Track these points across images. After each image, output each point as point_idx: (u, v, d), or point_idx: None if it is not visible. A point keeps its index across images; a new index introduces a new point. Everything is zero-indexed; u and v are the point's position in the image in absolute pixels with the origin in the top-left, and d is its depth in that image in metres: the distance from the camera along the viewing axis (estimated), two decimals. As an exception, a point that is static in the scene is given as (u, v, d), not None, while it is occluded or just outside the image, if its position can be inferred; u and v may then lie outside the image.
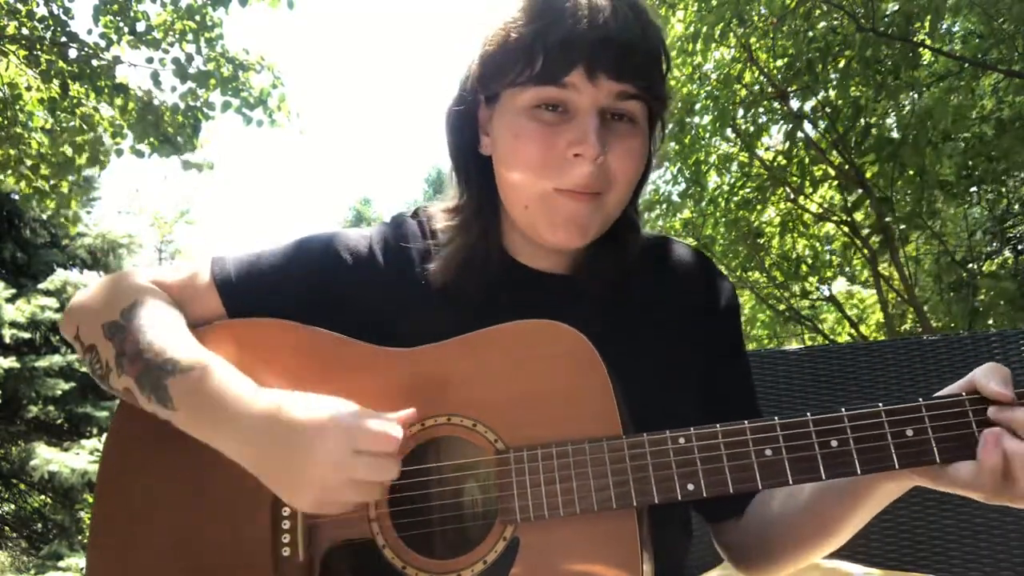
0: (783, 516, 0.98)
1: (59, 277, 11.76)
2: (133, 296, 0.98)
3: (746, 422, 0.82)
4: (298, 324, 0.98)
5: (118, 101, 6.11)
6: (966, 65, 5.39)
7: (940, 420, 0.78)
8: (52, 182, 6.30)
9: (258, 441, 0.85)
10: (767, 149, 6.96)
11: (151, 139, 6.29)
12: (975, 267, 6.47)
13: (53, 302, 11.45)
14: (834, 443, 0.79)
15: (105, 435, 1.04)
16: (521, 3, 0.92)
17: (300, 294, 1.02)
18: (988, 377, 0.77)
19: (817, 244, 7.31)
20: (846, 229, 6.51)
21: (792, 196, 6.65)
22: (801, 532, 0.96)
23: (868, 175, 5.90)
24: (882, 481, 0.85)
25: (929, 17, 4.92)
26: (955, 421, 0.78)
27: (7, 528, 12.41)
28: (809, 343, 8.30)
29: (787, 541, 0.98)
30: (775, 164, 6.61)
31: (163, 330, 0.94)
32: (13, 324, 10.95)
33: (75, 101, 6.12)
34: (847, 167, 5.90)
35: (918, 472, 0.81)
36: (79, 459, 11.01)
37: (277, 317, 1.00)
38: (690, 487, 0.80)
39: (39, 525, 12.55)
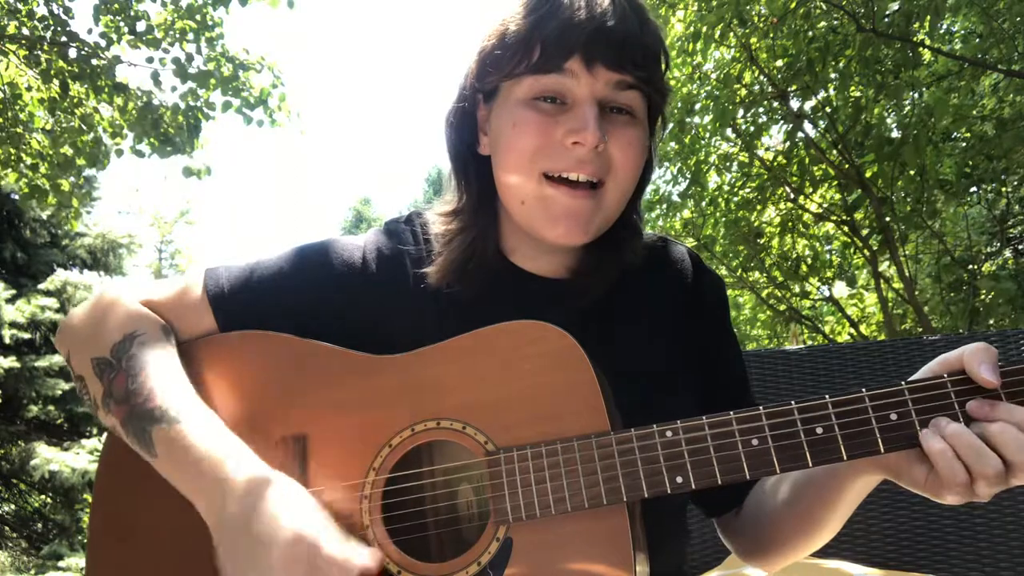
0: (773, 513, 0.99)
1: (59, 277, 11.77)
2: (124, 331, 0.97)
3: (732, 412, 0.82)
4: (291, 336, 0.98)
5: (118, 101, 6.12)
6: (966, 65, 5.38)
7: (923, 403, 0.78)
8: (53, 182, 6.30)
9: (227, 520, 0.83)
10: (767, 149, 6.96)
11: (151, 139, 6.30)
12: (975, 267, 6.46)
13: (53, 302, 11.46)
14: (819, 430, 0.79)
15: (105, 435, 1.04)
16: (519, 0, 0.93)
17: (294, 307, 1.01)
18: (978, 359, 0.76)
19: (817, 244, 7.31)
20: (846, 229, 6.50)
21: (792, 196, 6.65)
22: (787, 527, 0.98)
23: (868, 175, 5.90)
24: (860, 474, 0.87)
25: (929, 17, 4.91)
26: (939, 403, 0.78)
27: (7, 528, 12.41)
28: (809, 343, 8.29)
29: (776, 536, 1.00)
30: (775, 164, 6.61)
31: (152, 374, 0.93)
32: (13, 324, 10.96)
33: (75, 101, 6.12)
34: (847, 167, 5.89)
35: (886, 468, 0.82)
36: (79, 459, 11.01)
37: (270, 329, 0.99)
38: (679, 479, 0.80)
39: (39, 525, 12.56)
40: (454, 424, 0.89)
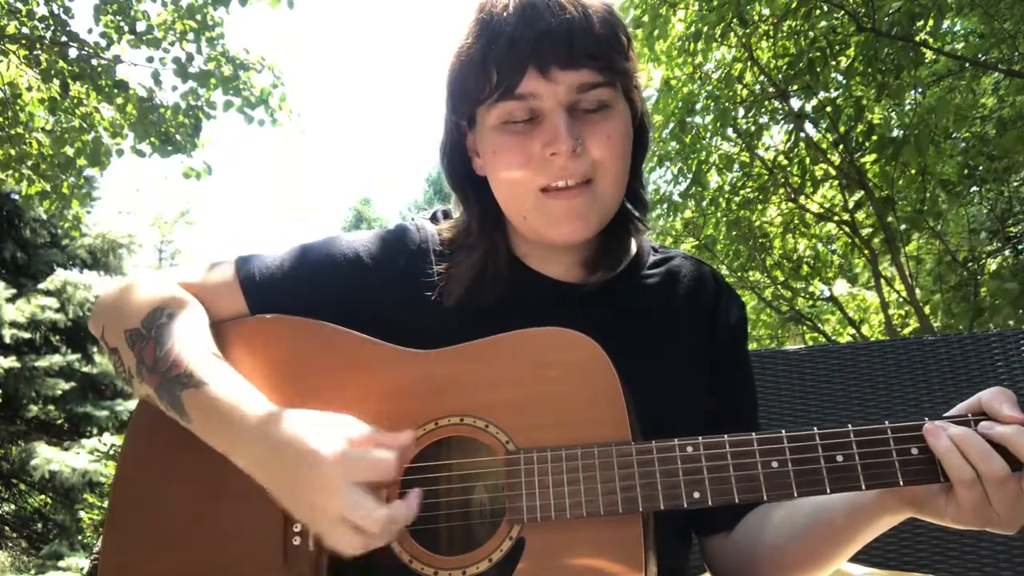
0: (776, 541, 0.98)
1: (59, 277, 11.77)
2: (155, 304, 1.00)
3: (754, 434, 0.83)
4: (322, 322, 1.00)
5: (118, 100, 6.12)
6: (967, 65, 5.38)
7: None
8: (53, 183, 6.30)
9: (267, 465, 0.87)
10: (768, 149, 6.96)
11: (152, 139, 6.30)
12: (974, 266, 6.46)
13: (53, 302, 11.46)
14: (840, 458, 0.80)
15: (130, 418, 1.06)
16: (467, 29, 0.95)
17: (321, 296, 1.04)
18: (998, 401, 0.79)
19: (819, 244, 7.31)
20: (847, 229, 6.50)
21: (793, 196, 6.64)
22: (790, 559, 0.97)
23: (870, 175, 5.89)
24: (884, 512, 0.87)
25: (933, 15, 4.90)
26: None
27: (7, 528, 12.41)
28: (810, 343, 8.28)
29: (773, 566, 0.99)
30: (776, 164, 6.61)
31: (180, 340, 0.96)
32: (13, 324, 10.96)
33: (75, 101, 6.13)
34: (848, 167, 5.89)
35: (909, 502, 0.83)
36: (79, 459, 11.02)
37: (298, 313, 1.02)
38: (696, 495, 0.81)
39: (39, 525, 12.56)
40: (478, 422, 0.90)
